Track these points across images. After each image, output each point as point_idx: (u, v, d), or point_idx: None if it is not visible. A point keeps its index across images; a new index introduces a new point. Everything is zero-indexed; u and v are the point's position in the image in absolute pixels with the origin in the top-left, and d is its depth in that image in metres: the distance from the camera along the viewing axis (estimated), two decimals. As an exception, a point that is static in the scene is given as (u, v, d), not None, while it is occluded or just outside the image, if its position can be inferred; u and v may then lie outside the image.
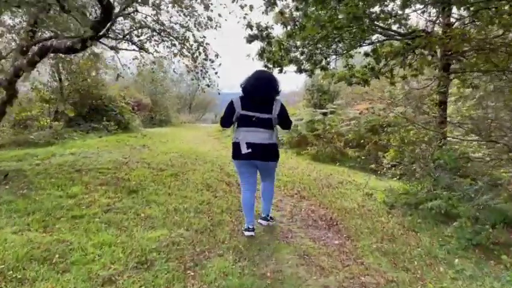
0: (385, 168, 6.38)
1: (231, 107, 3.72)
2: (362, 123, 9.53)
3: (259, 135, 3.68)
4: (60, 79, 11.35)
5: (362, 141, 9.88)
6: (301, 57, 8.23)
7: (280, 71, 8.26)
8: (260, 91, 3.68)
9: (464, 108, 9.75)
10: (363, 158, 8.73)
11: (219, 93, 6.71)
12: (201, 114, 36.87)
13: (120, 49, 6.19)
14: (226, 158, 8.44)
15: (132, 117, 13.82)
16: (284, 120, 3.84)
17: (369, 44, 8.02)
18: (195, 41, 5.66)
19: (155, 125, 22.31)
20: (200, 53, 5.64)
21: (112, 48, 6.10)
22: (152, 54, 6.25)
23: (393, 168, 6.26)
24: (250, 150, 3.66)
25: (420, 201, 4.97)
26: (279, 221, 4.42)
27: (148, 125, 22.15)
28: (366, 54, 8.84)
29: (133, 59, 6.13)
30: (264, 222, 4.12)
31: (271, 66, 8.02)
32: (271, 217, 4.25)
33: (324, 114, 11.44)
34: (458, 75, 7.40)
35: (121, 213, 4.11)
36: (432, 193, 4.91)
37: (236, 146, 3.76)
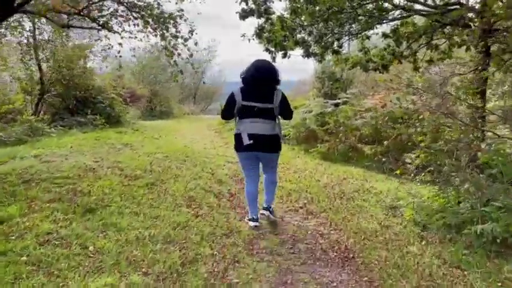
0: (412, 174, 5.29)
1: (231, 98, 3.78)
2: (383, 115, 8.39)
3: (261, 126, 3.73)
4: (39, 67, 10.38)
5: (381, 137, 8.76)
6: (309, 39, 7.10)
7: (285, 55, 7.14)
8: (261, 81, 3.74)
9: (495, 97, 8.60)
10: (382, 158, 7.64)
11: (204, 83, 5.71)
12: (206, 104, 35.85)
13: (74, 27, 5.16)
14: (222, 158, 7.42)
15: (124, 110, 12.85)
16: (285, 109, 3.90)
17: (391, 21, 6.86)
18: (161, 12, 4.52)
19: (155, 117, 21.35)
20: (167, 28, 4.48)
21: (63, 26, 5.05)
22: (120, 34, 5.20)
23: (422, 174, 5.16)
24: (251, 141, 3.70)
25: (463, 222, 3.89)
26: (276, 253, 3.39)
27: (148, 117, 21.20)
28: (385, 35, 7.71)
29: (96, 41, 5.04)
30: (265, 212, 4.03)
31: (272, 49, 6.92)
32: (272, 209, 4.16)
33: (336, 105, 10.30)
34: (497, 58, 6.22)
35: (62, 247, 3.12)
36: (479, 211, 3.82)
37: (238, 137, 3.81)
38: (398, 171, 5.52)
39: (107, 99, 12.16)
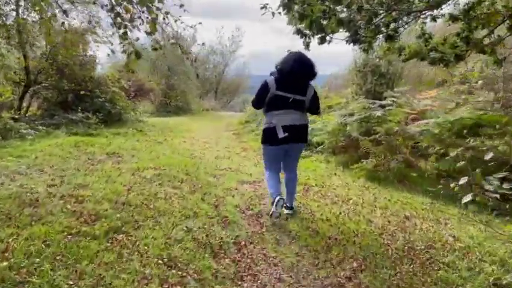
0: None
1: (265, 87, 3.90)
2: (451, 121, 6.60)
3: (292, 117, 3.89)
4: (24, 55, 9.03)
5: (447, 150, 6.95)
6: (358, 18, 5.35)
7: (323, 40, 5.41)
8: (299, 75, 3.89)
9: None
10: (449, 179, 5.85)
11: (198, 76, 4.16)
12: (228, 99, 34.40)
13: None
14: (235, 177, 5.81)
15: (128, 106, 11.41)
16: (314, 105, 4.09)
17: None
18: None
19: (170, 113, 20.04)
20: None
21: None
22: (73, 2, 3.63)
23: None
24: (286, 134, 3.84)
25: None
26: None
27: (163, 113, 19.93)
28: (454, 18, 5.94)
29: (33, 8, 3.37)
30: (290, 212, 4.16)
31: (307, 31, 5.21)
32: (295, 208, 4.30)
33: (382, 106, 8.49)
34: None
35: None
36: None
37: (271, 130, 3.90)
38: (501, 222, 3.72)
39: (108, 93, 10.73)
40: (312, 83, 4.08)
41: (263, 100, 3.92)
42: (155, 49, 3.63)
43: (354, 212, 4.58)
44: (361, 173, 6.59)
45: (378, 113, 7.01)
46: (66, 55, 9.97)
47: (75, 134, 8.64)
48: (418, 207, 4.96)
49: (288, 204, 4.20)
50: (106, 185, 4.41)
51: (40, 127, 8.00)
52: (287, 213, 4.13)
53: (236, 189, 5.12)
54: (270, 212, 3.99)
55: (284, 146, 3.96)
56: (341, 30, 5.45)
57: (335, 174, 6.73)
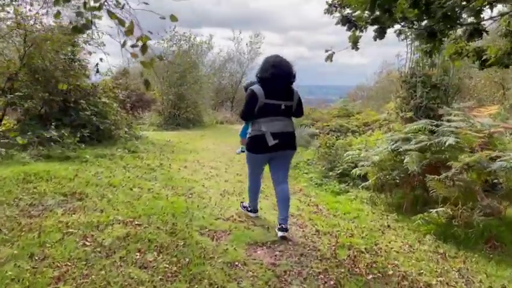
0: None
1: (254, 97, 3.84)
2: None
3: (281, 124, 3.90)
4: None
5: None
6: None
7: (381, 33, 3.67)
8: (282, 78, 3.88)
9: None
10: None
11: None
12: (245, 111, 32.73)
13: None
14: (246, 232, 4.06)
15: (121, 121, 9.77)
16: (300, 108, 4.09)
17: None
18: None
19: (179, 126, 18.44)
20: None
21: None
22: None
23: None
24: (277, 140, 3.83)
25: None
26: None
27: (171, 126, 18.34)
28: None
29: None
30: (285, 234, 3.93)
31: (360, 18, 3.47)
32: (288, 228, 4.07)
33: (436, 126, 6.61)
34: None
35: None
36: None
37: (260, 138, 3.86)
38: None
39: (96, 104, 9.12)
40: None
41: (253, 111, 3.86)
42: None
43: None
44: (427, 226, 4.73)
45: (450, 139, 5.13)
46: (51, 59, 8.49)
47: (47, 157, 7.04)
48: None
49: (283, 225, 3.96)
50: (23, 267, 2.68)
51: (6, 148, 6.39)
52: (281, 236, 3.92)
53: (245, 264, 3.34)
54: (251, 215, 4.47)
55: (272, 154, 3.94)
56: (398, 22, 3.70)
57: (388, 226, 4.89)
